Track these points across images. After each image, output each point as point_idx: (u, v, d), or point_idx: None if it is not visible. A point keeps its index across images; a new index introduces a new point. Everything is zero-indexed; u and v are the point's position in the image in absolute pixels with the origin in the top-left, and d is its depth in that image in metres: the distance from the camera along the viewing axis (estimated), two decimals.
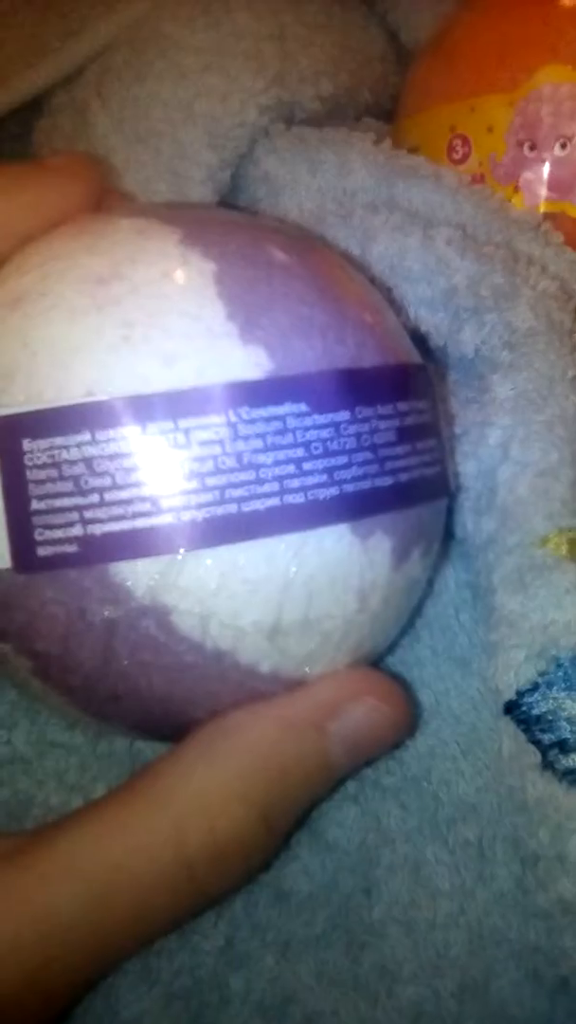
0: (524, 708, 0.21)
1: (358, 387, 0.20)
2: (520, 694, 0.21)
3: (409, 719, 0.22)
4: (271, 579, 0.20)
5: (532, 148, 0.29)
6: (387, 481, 0.20)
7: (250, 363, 0.20)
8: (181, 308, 0.20)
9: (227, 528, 0.19)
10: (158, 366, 0.19)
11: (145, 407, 0.19)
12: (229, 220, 0.23)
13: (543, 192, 0.29)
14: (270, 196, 0.30)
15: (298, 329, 0.20)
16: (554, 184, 0.29)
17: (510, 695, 0.21)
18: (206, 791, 0.20)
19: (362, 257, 0.27)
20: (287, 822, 0.21)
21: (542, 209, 0.29)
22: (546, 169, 0.29)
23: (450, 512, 0.25)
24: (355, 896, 0.22)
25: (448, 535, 0.25)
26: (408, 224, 0.27)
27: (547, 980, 0.21)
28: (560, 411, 0.24)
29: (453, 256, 0.26)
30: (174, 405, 0.19)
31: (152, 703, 0.21)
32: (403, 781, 0.23)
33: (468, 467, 0.25)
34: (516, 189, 0.29)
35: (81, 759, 0.24)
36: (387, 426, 0.21)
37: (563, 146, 0.29)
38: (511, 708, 0.21)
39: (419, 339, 0.27)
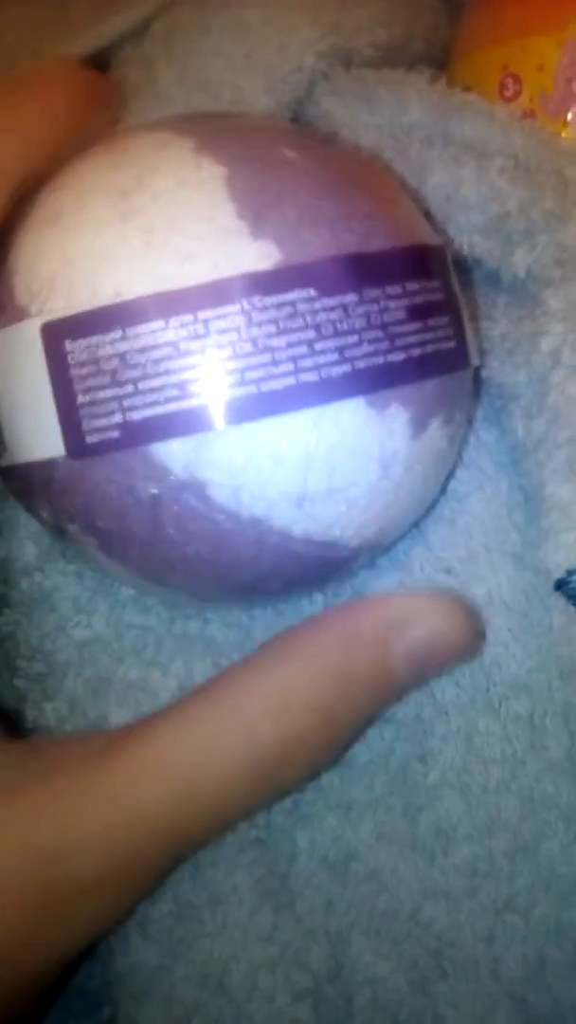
0: (573, 585, 0.23)
1: (365, 270, 0.22)
2: (570, 572, 0.23)
3: (474, 638, 0.23)
4: (293, 452, 0.21)
5: None
6: (399, 356, 0.22)
7: (261, 255, 0.21)
8: (195, 211, 0.22)
9: (248, 407, 0.21)
10: (176, 265, 0.21)
11: (166, 303, 0.21)
12: (245, 126, 0.25)
13: None
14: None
15: (306, 220, 0.22)
16: None
17: (560, 574, 0.23)
18: (273, 696, 0.22)
19: (418, 188, 0.29)
20: (350, 729, 0.22)
21: None
22: None
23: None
24: (411, 763, 0.24)
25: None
26: (463, 156, 0.29)
27: None
28: None
29: (505, 184, 0.28)
30: (192, 299, 0.21)
31: (202, 568, 0.23)
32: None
33: (520, 376, 0.26)
34: (565, 123, 0.30)
35: (157, 638, 0.26)
36: (396, 305, 0.22)
37: None
38: (561, 585, 0.23)
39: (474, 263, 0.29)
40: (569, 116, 0.30)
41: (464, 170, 0.28)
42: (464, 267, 0.30)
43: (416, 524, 0.27)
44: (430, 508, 0.27)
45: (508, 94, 0.31)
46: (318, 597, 0.27)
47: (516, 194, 0.28)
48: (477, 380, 0.27)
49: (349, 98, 0.32)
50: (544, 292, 0.27)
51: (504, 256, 0.28)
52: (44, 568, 0.26)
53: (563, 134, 0.30)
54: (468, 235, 0.28)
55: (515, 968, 0.22)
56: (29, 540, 0.27)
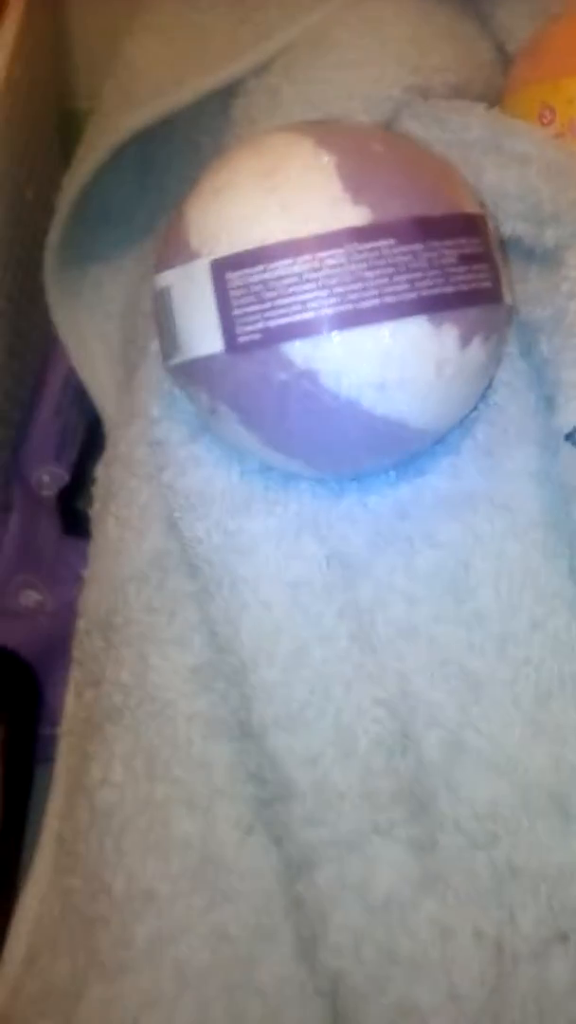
0: None
1: (429, 228, 0.32)
2: None
3: None
4: (377, 351, 0.31)
5: None
6: (451, 289, 0.32)
7: (359, 216, 0.31)
8: (315, 187, 0.32)
9: (347, 319, 0.31)
10: (301, 223, 0.31)
11: (294, 247, 0.31)
12: (348, 127, 0.36)
13: None
14: None
15: (390, 193, 0.32)
16: None
17: (568, 429, 0.33)
18: None
19: (476, 185, 0.39)
20: None
21: None
22: None
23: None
24: (458, 570, 0.34)
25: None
26: (509, 163, 0.39)
27: None
28: None
29: (541, 182, 0.38)
30: (312, 245, 0.31)
31: (312, 436, 0.33)
32: (492, 510, 0.35)
33: (546, 313, 0.36)
34: None
35: (276, 491, 0.35)
36: (450, 253, 0.32)
37: None
38: (569, 436, 0.33)
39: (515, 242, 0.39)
40: None
41: (510, 172, 0.39)
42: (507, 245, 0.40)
43: (463, 422, 0.37)
44: (472, 411, 0.37)
45: (545, 121, 0.42)
46: (391, 472, 0.37)
47: (548, 188, 0.38)
48: (510, 315, 0.37)
49: (426, 120, 0.42)
50: (565, 253, 0.37)
51: (538, 234, 0.38)
52: (196, 441, 0.37)
53: None
54: (512, 220, 0.38)
55: (529, 699, 0.32)
56: (184, 423, 0.37)
